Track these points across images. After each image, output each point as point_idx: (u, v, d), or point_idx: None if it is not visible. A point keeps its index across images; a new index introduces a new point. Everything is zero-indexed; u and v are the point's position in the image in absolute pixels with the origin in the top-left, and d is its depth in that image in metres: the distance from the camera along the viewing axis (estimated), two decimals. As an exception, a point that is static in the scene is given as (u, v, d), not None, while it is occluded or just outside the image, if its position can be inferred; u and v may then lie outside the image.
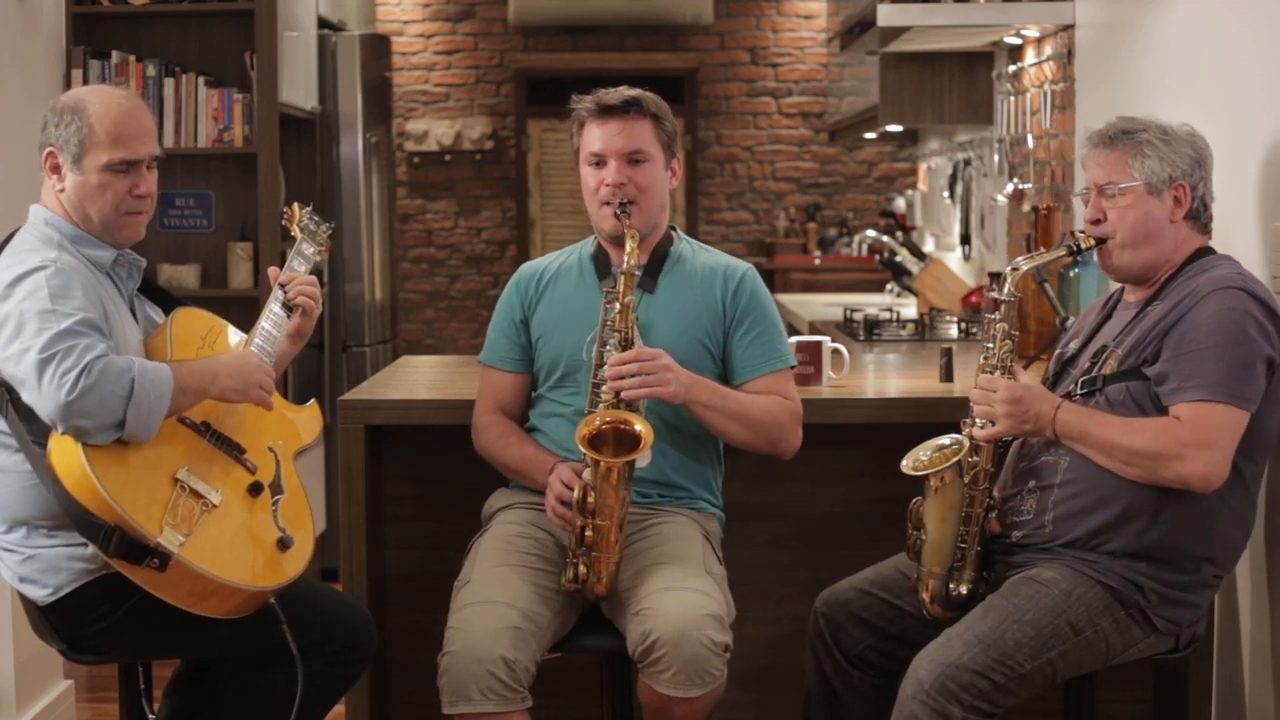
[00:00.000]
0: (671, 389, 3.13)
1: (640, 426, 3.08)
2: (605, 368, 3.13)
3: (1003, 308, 3.05)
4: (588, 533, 3.07)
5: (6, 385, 2.87)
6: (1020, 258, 3.13)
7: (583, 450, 3.05)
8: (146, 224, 3.08)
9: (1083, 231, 3.07)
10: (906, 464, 3.02)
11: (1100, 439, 2.91)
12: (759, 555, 3.69)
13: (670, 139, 3.32)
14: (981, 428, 3.00)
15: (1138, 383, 2.93)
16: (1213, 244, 3.12)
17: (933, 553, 3.00)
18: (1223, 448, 2.85)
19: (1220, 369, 2.85)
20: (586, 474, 3.08)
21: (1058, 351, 3.22)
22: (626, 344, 3.14)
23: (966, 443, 3.00)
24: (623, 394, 3.10)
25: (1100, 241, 3.04)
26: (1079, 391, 3.01)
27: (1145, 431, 2.88)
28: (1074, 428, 2.94)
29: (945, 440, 3.05)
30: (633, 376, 3.10)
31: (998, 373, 3.02)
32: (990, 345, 3.05)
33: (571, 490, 3.12)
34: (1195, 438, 2.83)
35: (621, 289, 3.16)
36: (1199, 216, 3.04)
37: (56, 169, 3.01)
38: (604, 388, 3.13)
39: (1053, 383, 3.14)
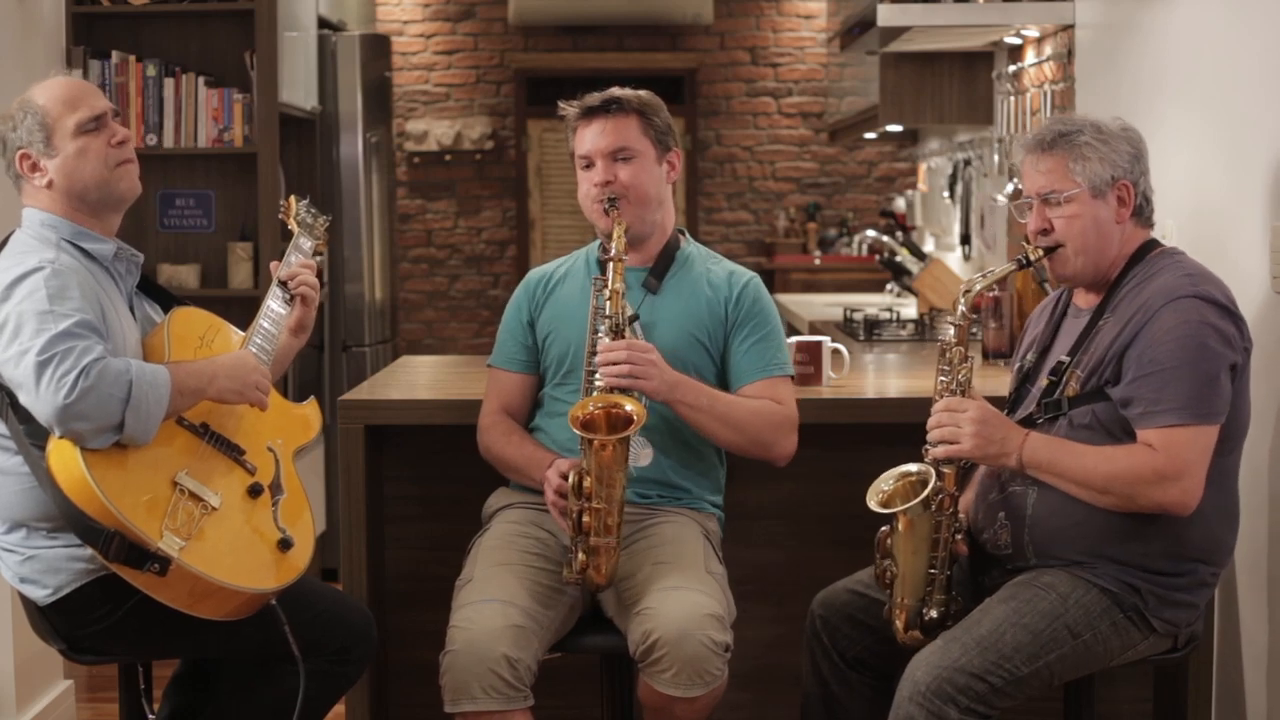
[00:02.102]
0: (653, 384, 3.13)
1: (631, 406, 3.07)
2: (597, 354, 3.14)
3: (956, 331, 3.00)
4: (585, 518, 3.07)
5: (6, 389, 2.87)
6: (971, 278, 3.07)
7: (576, 431, 3.06)
8: (139, 175, 3.08)
9: (1028, 243, 3.01)
10: (872, 500, 2.96)
11: (1071, 469, 2.87)
12: (759, 555, 3.69)
13: (661, 133, 3.32)
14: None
15: (1103, 404, 2.90)
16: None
17: (904, 585, 2.97)
18: (1197, 471, 2.82)
19: (1185, 390, 2.81)
20: (582, 459, 3.08)
21: (1017, 365, 3.17)
22: (617, 330, 3.14)
23: (933, 474, 2.95)
24: (607, 381, 3.10)
25: (1049, 251, 2.99)
26: (1043, 415, 2.97)
27: (1118, 461, 2.84)
28: (1043, 456, 2.89)
29: (911, 468, 3.00)
30: (620, 364, 3.10)
31: (959, 394, 2.98)
32: (947, 369, 3.00)
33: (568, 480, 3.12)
34: (1170, 466, 2.80)
35: (611, 276, 3.16)
36: (1142, 212, 3.00)
37: (34, 166, 3.01)
38: (597, 375, 3.14)
39: (1015, 398, 3.10)
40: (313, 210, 3.39)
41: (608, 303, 3.16)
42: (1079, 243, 2.96)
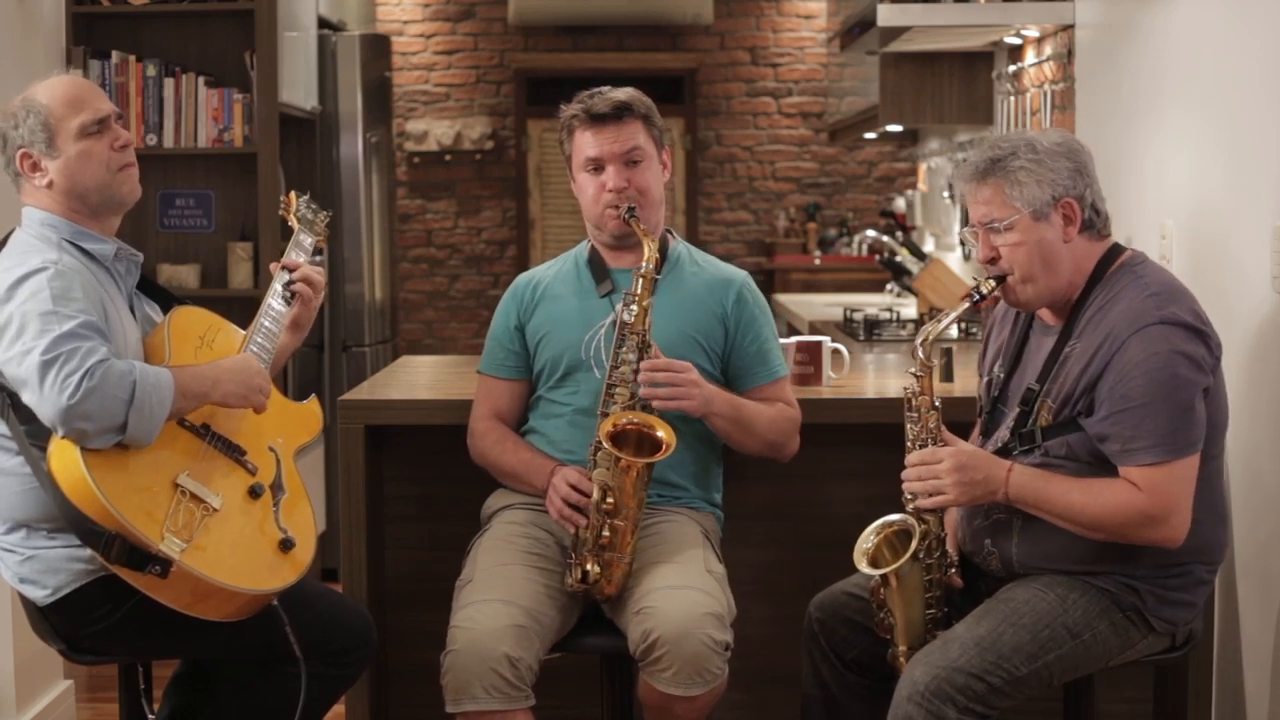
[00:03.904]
0: (694, 403, 3.16)
1: (663, 433, 3.10)
2: (632, 371, 3.15)
3: (919, 381, 2.95)
4: (605, 533, 3.08)
5: (7, 389, 2.87)
6: (927, 325, 3.01)
7: (606, 447, 3.06)
8: (139, 178, 3.07)
9: (977, 277, 2.98)
10: (861, 562, 2.94)
11: (1058, 507, 2.84)
12: (759, 555, 3.69)
13: (660, 134, 3.35)
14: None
15: (1077, 435, 2.87)
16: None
17: (904, 633, 2.97)
18: (1184, 506, 2.80)
19: (1161, 425, 2.77)
20: (600, 473, 3.09)
21: (986, 379, 3.13)
22: (644, 346, 3.15)
23: (917, 526, 2.93)
24: (654, 404, 3.12)
25: (1000, 279, 2.93)
26: (1018, 447, 2.94)
27: (1105, 501, 2.81)
28: (1029, 494, 2.86)
29: (893, 518, 2.98)
30: (662, 386, 3.12)
31: (930, 442, 2.93)
32: (915, 417, 2.95)
33: (579, 492, 3.13)
34: (1156, 507, 2.78)
35: (640, 291, 3.17)
36: (1093, 225, 2.93)
37: (35, 166, 3.00)
38: (618, 389, 3.15)
39: (988, 419, 3.07)
40: (313, 206, 3.39)
41: (636, 318, 3.16)
42: (1025, 270, 2.90)
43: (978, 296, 2.95)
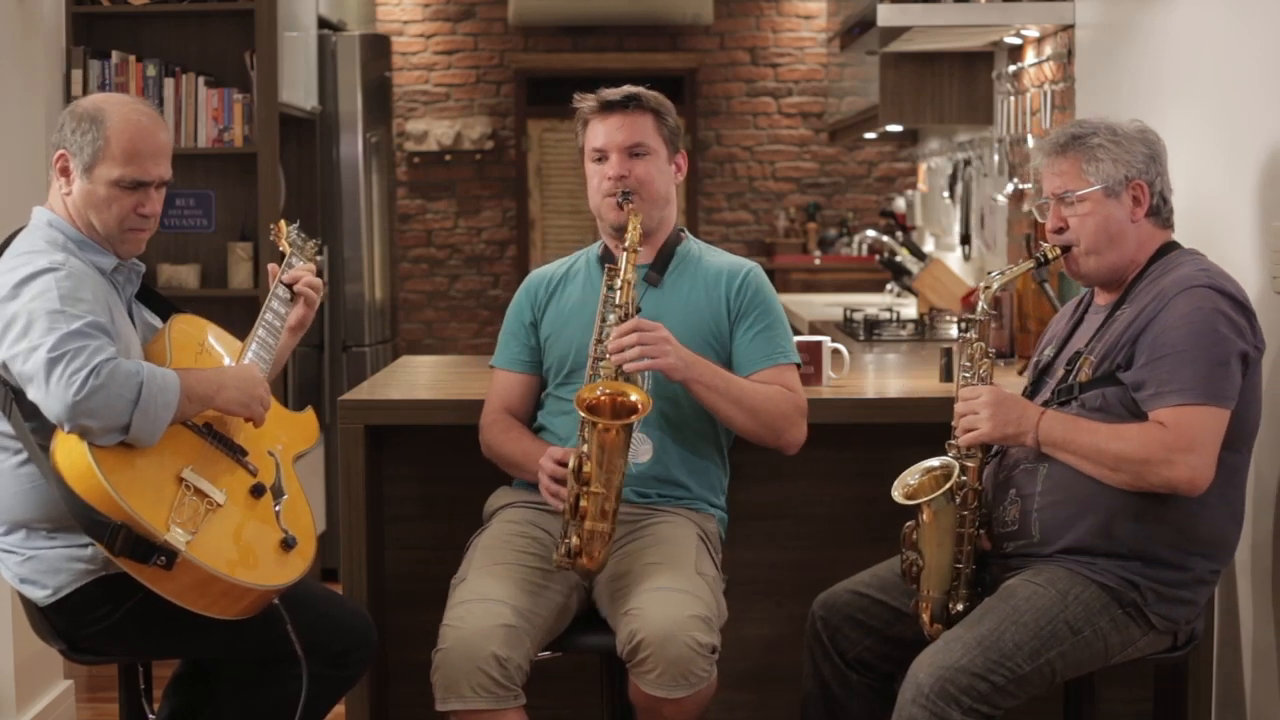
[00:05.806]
0: (670, 361, 3.14)
1: (636, 396, 3.08)
2: (606, 341, 3.14)
3: (977, 326, 3.05)
4: (583, 502, 3.06)
5: (9, 386, 2.87)
6: (990, 274, 3.14)
7: (580, 413, 3.05)
8: (147, 240, 3.09)
9: (1045, 242, 3.09)
10: (897, 493, 3.00)
11: (1085, 445, 2.90)
12: (759, 555, 3.69)
13: (673, 134, 3.36)
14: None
15: (1114, 389, 2.93)
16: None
17: (931, 578, 2.99)
18: (1207, 450, 2.85)
19: (1197, 371, 2.85)
20: (583, 447, 3.08)
21: (1034, 359, 3.22)
22: (627, 318, 3.15)
23: (956, 466, 2.99)
24: (624, 367, 3.11)
25: (1065, 249, 3.05)
26: (1055, 401, 3.01)
27: (1130, 438, 2.87)
28: (1058, 434, 2.93)
29: (934, 462, 3.03)
30: (632, 348, 3.10)
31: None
32: (968, 364, 3.05)
33: (563, 466, 3.12)
34: (1180, 442, 2.83)
35: (624, 265, 3.18)
36: (1160, 212, 3.06)
37: (66, 172, 3.01)
38: (604, 361, 3.14)
39: (1031, 391, 3.14)
40: (303, 234, 3.41)
41: (619, 291, 3.16)
42: (1091, 241, 3.01)
43: (1043, 260, 3.08)
